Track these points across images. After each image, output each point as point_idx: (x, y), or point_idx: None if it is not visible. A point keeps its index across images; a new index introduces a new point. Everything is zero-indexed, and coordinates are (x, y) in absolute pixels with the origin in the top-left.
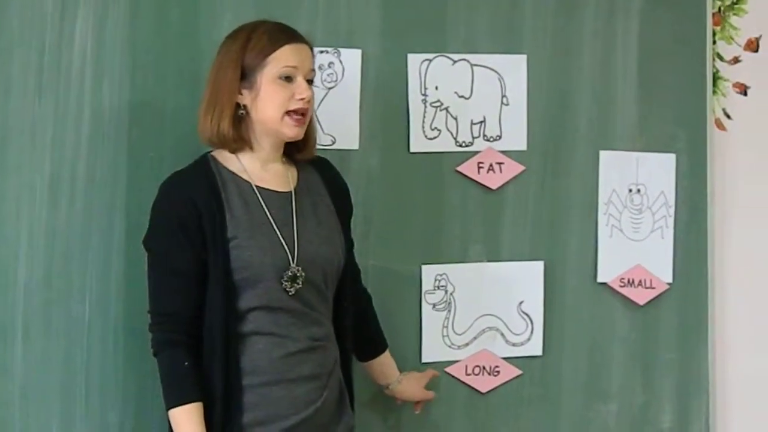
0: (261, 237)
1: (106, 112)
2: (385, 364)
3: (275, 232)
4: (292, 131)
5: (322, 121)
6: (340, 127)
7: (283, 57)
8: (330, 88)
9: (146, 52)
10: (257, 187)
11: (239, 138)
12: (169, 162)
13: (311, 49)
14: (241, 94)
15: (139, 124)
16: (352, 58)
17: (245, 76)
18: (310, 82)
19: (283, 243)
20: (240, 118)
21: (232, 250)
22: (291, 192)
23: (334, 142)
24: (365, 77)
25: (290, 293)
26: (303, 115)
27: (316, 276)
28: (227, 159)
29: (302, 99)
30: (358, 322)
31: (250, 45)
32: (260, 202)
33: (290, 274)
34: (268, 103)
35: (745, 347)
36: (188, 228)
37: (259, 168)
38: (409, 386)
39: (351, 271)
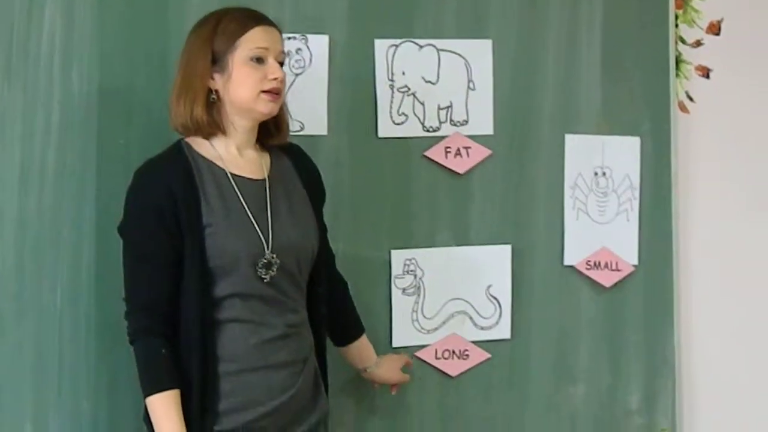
0: (236, 224)
1: (75, 100)
2: (362, 347)
3: (250, 219)
4: (266, 107)
5: (290, 107)
6: (308, 113)
7: (253, 38)
8: (298, 75)
9: (115, 38)
10: (232, 174)
11: (212, 123)
12: (139, 149)
13: (280, 33)
14: (213, 79)
15: (109, 111)
16: (319, 44)
17: (216, 60)
18: (281, 64)
19: (258, 230)
20: (212, 102)
21: (207, 238)
22: (265, 179)
23: (302, 128)
24: (333, 63)
25: (265, 280)
26: (277, 93)
27: (290, 263)
28: (201, 145)
29: (275, 79)
30: (335, 307)
31: (219, 29)
32: (235, 190)
33: (265, 261)
34: (241, 85)
35: (711, 329)
36: (164, 215)
37: (234, 155)
38: (387, 369)
39: (325, 255)
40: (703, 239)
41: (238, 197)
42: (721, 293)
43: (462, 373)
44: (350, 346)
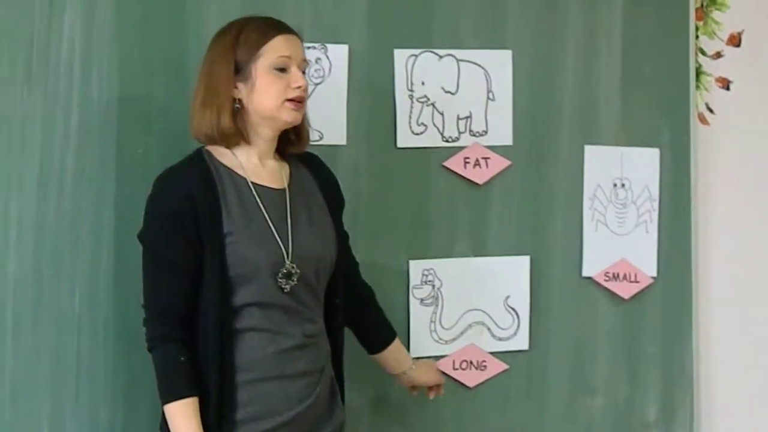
0: (257, 233)
1: (94, 105)
2: (398, 351)
3: (270, 228)
4: (290, 115)
5: (309, 116)
6: (327, 123)
7: (276, 47)
8: (317, 84)
9: (133, 45)
10: (253, 183)
11: (238, 132)
12: (158, 156)
13: (301, 41)
14: (237, 88)
15: (128, 116)
16: (339, 53)
17: (239, 70)
18: (303, 72)
19: (278, 240)
20: (236, 112)
21: (227, 246)
22: (285, 189)
23: (321, 138)
24: (352, 73)
25: (285, 290)
26: (300, 102)
27: (310, 273)
28: (222, 154)
29: (299, 87)
30: (362, 314)
31: (241, 38)
32: (256, 199)
33: (285, 271)
34: (265, 94)
35: (729, 340)
36: (184, 223)
37: (255, 164)
38: (425, 371)
39: (348, 263)
40: (722, 251)
41: (259, 206)
42: (740, 305)
43: (479, 384)
44: (385, 351)
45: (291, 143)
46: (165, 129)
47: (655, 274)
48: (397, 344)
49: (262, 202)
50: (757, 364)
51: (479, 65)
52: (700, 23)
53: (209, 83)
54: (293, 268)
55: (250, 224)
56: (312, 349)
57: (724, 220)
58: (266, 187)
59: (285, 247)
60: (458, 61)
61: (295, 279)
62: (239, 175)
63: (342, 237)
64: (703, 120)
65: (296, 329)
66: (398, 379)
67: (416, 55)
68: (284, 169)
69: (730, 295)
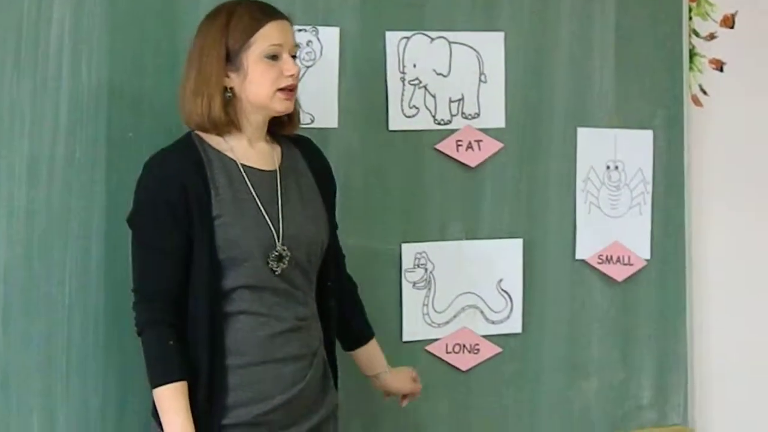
0: (246, 216)
1: (84, 91)
2: (371, 353)
3: (261, 210)
4: (282, 105)
5: (301, 99)
6: (319, 106)
7: (267, 35)
8: (308, 67)
9: (124, 31)
10: (243, 165)
11: (230, 121)
12: (148, 142)
13: (291, 25)
14: (228, 77)
15: (118, 103)
16: (330, 36)
17: (230, 58)
18: (293, 57)
19: (269, 222)
20: (227, 100)
21: (217, 229)
22: (276, 171)
23: (313, 121)
24: (343, 55)
25: (276, 272)
26: (292, 90)
27: (301, 255)
28: (212, 138)
29: (291, 75)
30: (342, 309)
31: (231, 25)
32: (245, 181)
33: (276, 253)
34: (258, 85)
35: (724, 323)
36: (174, 206)
37: (245, 146)
38: (399, 378)
39: (335, 254)
40: (716, 233)
41: (249, 188)
42: (734, 287)
43: (473, 368)
44: (359, 350)
45: (282, 125)
46: (155, 116)
47: (648, 256)
48: (372, 345)
49: (252, 184)
50: (751, 346)
51: (471, 47)
52: (694, 4)
53: (200, 71)
54: (284, 250)
55: (240, 206)
56: (304, 332)
57: (718, 201)
58: (257, 169)
59: (276, 229)
60: (450, 43)
61: (287, 261)
62: (229, 158)
63: (333, 225)
64: (696, 102)
65: (288, 312)
66: (371, 381)
67: (408, 38)
68: (276, 151)
69: (724, 278)
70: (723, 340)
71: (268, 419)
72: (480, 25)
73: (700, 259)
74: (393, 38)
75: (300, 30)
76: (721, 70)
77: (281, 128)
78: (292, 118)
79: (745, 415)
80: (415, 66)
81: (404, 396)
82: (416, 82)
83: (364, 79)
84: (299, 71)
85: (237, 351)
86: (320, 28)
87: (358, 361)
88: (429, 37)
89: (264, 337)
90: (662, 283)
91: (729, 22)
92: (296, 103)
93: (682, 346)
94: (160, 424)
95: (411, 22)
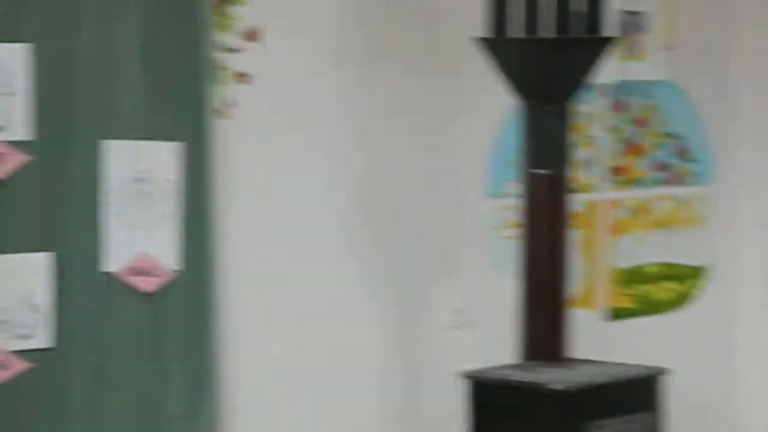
0: None
1: None
2: None
3: None
4: None
5: None
6: None
7: None
8: None
9: None
10: None
11: None
12: None
13: None
14: None
15: None
16: None
17: None
18: None
19: None
20: None
21: None
22: None
23: None
24: None
25: None
26: None
27: None
28: None
29: None
30: None
31: None
32: None
33: None
34: None
35: (253, 333)
36: None
37: None
38: None
39: None
40: (245, 244)
41: None
42: (262, 298)
43: (1, 384)
44: None
45: None
46: None
47: (177, 267)
48: None
49: None
50: (282, 359)
51: None
52: (216, 18)
53: None
54: None
55: None
56: None
57: (246, 211)
58: None
59: None
60: None
61: None
62: None
63: None
64: (222, 114)
65: None
66: None
67: None
68: None
69: (253, 288)
70: (252, 349)
71: None
72: (2, 36)
73: (230, 270)
74: None
75: None
76: (247, 82)
77: None
78: None
79: (275, 427)
80: None
81: None
82: None
83: None
84: None
85: None
86: None
87: None
88: None
89: None
90: (192, 294)
91: (253, 35)
92: None
93: (213, 357)
94: None
95: None
